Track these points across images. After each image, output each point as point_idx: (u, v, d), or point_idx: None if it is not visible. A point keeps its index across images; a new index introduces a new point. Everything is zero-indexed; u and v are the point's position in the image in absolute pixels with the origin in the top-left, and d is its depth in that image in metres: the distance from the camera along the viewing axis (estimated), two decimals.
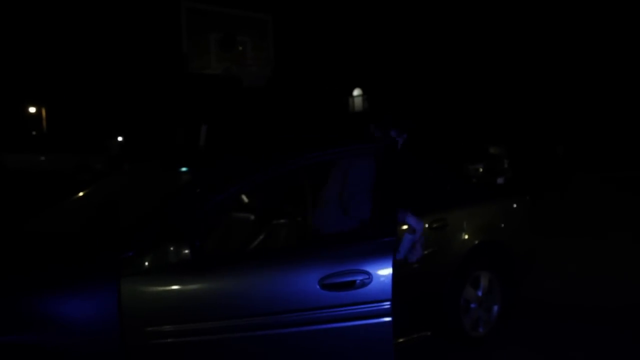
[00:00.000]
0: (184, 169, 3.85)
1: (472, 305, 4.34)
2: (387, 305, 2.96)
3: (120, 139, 30.90)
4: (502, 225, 4.61)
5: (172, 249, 2.84)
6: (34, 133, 28.29)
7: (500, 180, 11.98)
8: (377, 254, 3.00)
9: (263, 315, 2.93)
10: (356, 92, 18.53)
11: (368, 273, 2.95)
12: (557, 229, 9.09)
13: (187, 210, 3.16)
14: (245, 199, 4.53)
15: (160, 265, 2.82)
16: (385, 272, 2.96)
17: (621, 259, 7.07)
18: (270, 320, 2.93)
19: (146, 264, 2.79)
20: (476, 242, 4.24)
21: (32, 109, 34.91)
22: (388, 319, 2.96)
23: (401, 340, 3.70)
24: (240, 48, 8.04)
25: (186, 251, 2.87)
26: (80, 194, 4.11)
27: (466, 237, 4.23)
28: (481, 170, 12.88)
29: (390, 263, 2.98)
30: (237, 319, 2.93)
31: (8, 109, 33.47)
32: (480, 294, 4.39)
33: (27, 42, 33.97)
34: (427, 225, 3.87)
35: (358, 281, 2.93)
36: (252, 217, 3.93)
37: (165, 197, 3.25)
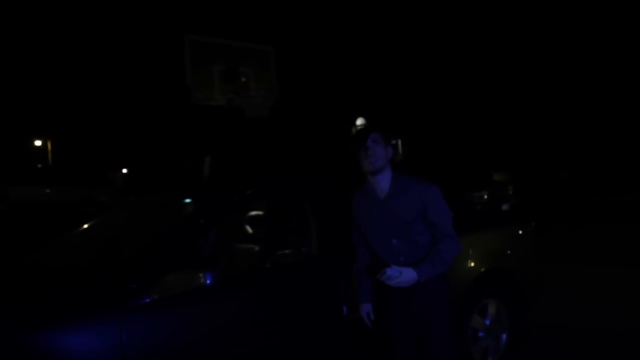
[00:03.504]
0: (187, 200, 3.85)
1: (480, 334, 4.28)
2: None
3: (124, 171, 31.04)
4: (508, 252, 4.57)
5: (175, 280, 2.83)
6: (39, 166, 28.44)
7: (505, 207, 11.95)
8: None
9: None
10: (359, 121, 18.59)
11: None
12: (567, 256, 9.03)
13: (190, 241, 3.15)
14: (249, 229, 4.52)
15: (164, 297, 2.80)
16: None
17: (632, 285, 7.00)
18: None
19: (149, 295, 2.77)
20: (482, 269, 4.20)
21: (38, 142, 35.17)
22: None
23: None
24: (243, 79, 8.09)
25: (190, 282, 2.86)
26: (84, 226, 4.10)
27: (472, 265, 4.19)
28: (486, 197, 12.84)
29: None
30: (247, 346, 2.92)
31: (14, 141, 33.72)
32: (488, 322, 4.34)
33: (32, 76, 34.36)
34: None
35: None
36: (257, 248, 3.92)
37: (168, 229, 3.24)
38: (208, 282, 2.90)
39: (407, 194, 2.99)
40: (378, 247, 3.07)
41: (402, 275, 2.85)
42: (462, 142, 26.45)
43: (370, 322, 3.17)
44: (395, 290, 2.96)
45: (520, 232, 4.80)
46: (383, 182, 3.02)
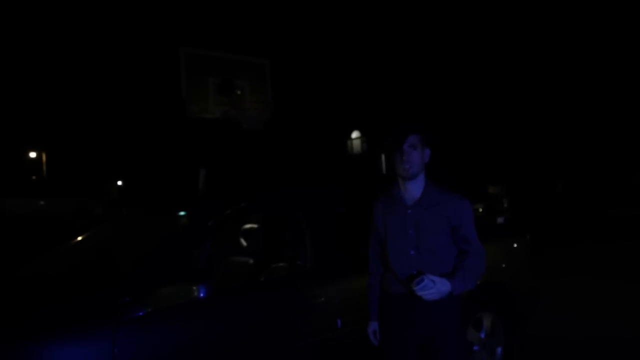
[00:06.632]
0: (181, 212, 3.84)
1: (475, 348, 4.27)
2: None
3: (119, 183, 31.00)
4: (503, 265, 4.57)
5: (169, 292, 2.82)
6: (34, 178, 28.38)
7: (500, 220, 11.94)
8: None
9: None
10: (354, 134, 18.68)
11: None
12: (562, 269, 9.04)
13: (185, 254, 3.14)
14: (243, 242, 4.51)
15: (158, 310, 2.79)
16: None
17: (627, 297, 7.01)
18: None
19: (143, 308, 2.76)
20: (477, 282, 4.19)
21: (33, 154, 35.11)
22: None
23: None
24: (239, 92, 8.09)
25: (184, 294, 2.85)
26: (78, 238, 4.09)
27: None
28: (481, 210, 12.85)
29: None
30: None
31: (9, 153, 33.67)
32: (483, 335, 4.32)
33: (27, 87, 34.40)
34: None
35: None
36: (251, 260, 3.91)
37: (162, 242, 3.23)
38: (202, 295, 2.88)
39: (439, 204, 2.80)
40: (394, 258, 2.84)
41: (437, 286, 2.62)
42: (457, 154, 26.53)
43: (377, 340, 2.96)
44: (408, 307, 2.77)
45: (515, 245, 4.81)
46: (414, 189, 2.84)
